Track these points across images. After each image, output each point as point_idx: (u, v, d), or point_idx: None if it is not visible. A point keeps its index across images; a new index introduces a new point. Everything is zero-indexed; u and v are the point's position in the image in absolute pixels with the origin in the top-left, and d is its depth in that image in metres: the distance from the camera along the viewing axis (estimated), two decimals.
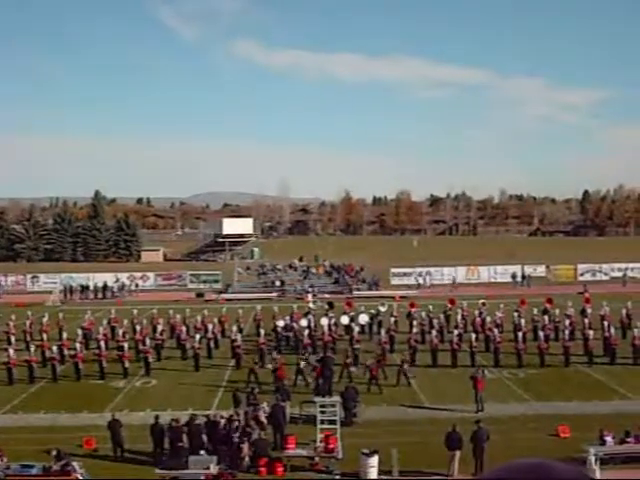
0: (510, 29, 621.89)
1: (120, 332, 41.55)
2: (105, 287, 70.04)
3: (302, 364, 34.22)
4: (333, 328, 42.33)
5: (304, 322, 42.43)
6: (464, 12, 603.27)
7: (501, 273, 75.08)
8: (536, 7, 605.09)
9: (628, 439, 24.02)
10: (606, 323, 40.51)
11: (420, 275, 74.86)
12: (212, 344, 41.28)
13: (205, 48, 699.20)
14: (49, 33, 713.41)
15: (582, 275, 76.57)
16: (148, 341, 38.83)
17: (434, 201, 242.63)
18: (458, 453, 23.12)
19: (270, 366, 35.25)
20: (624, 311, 45.13)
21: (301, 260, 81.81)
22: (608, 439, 23.91)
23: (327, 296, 61.79)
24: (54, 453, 22.85)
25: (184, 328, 42.64)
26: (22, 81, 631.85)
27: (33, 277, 77.11)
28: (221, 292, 68.34)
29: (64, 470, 22.16)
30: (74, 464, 22.53)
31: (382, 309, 47.59)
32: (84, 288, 70.09)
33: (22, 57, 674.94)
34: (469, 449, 23.22)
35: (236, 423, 25.15)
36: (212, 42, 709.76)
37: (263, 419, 26.03)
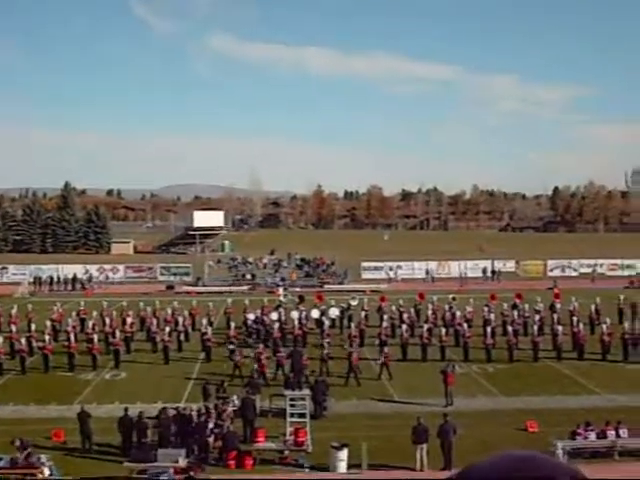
0: (484, 25, 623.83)
1: (90, 324, 41.27)
2: (74, 279, 69.55)
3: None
4: (304, 322, 42.35)
5: (274, 315, 42.42)
6: (437, 8, 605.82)
7: (471, 268, 75.30)
8: (510, 3, 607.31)
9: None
10: (575, 318, 40.90)
11: (391, 269, 75.05)
12: (182, 337, 41.15)
13: (179, 42, 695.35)
14: (19, 24, 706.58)
15: (552, 271, 77.04)
16: (118, 333, 38.67)
17: (405, 196, 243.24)
18: (425, 446, 23.22)
19: (249, 358, 35.06)
20: (593, 307, 45.45)
21: (272, 254, 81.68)
22: (591, 435, 24.14)
23: (298, 290, 61.79)
24: (17, 443, 22.68)
25: (154, 321, 42.40)
26: None
27: (2, 268, 76.45)
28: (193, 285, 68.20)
29: (30, 462, 22.02)
30: (42, 456, 22.40)
31: (353, 303, 47.66)
32: (53, 280, 69.62)
33: None
34: (437, 443, 23.33)
35: (205, 416, 25.11)
36: (186, 36, 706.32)
37: (227, 412, 25.98)
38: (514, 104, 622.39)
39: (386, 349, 35.29)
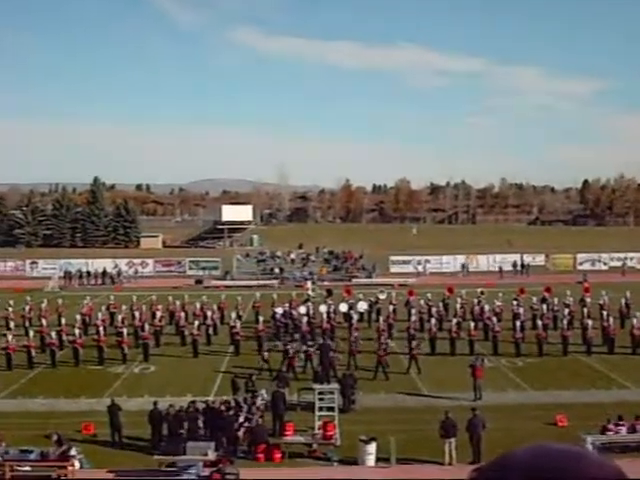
0: (511, 17, 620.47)
1: (119, 318, 41.59)
2: (104, 273, 69.99)
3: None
4: (332, 316, 42.34)
5: (303, 309, 42.47)
6: (464, 0, 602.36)
7: (500, 262, 74.96)
8: None
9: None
10: (605, 312, 40.57)
11: (419, 263, 74.90)
12: (211, 331, 41.34)
13: (204, 35, 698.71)
14: (49, 23, 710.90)
15: (581, 264, 76.54)
16: (147, 327, 38.86)
17: (434, 189, 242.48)
18: (453, 441, 23.15)
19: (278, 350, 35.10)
20: (623, 300, 45.16)
21: (300, 248, 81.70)
22: (622, 430, 23.95)
23: (326, 283, 61.78)
24: (55, 438, 22.88)
25: (183, 314, 42.59)
26: (22, 67, 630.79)
27: (32, 263, 77.10)
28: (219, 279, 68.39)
29: (63, 456, 22.19)
30: (73, 449, 22.57)
31: (381, 297, 47.60)
32: (83, 274, 70.10)
33: (21, 45, 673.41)
34: (466, 437, 23.25)
35: (235, 409, 25.17)
36: (211, 29, 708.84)
37: (259, 405, 26.04)
38: (542, 96, 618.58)
39: (414, 343, 35.22)
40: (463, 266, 73.96)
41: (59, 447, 22.53)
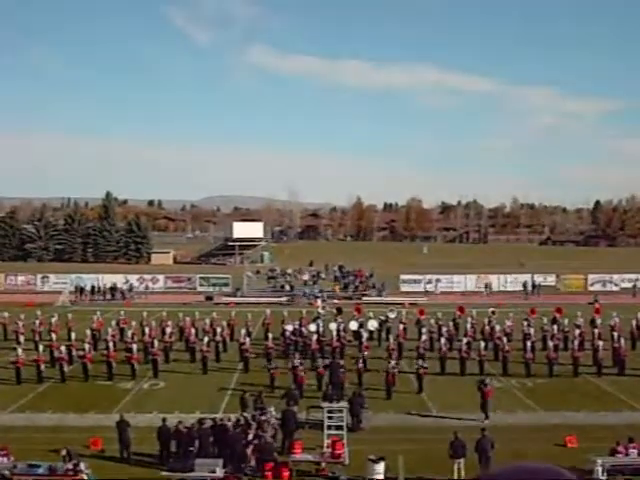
0: (521, 38, 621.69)
1: (129, 333, 41.61)
2: (114, 288, 70.12)
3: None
4: (342, 334, 42.33)
5: (313, 327, 42.40)
6: (474, 20, 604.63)
7: (511, 282, 74.81)
8: (547, 16, 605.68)
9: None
10: (616, 334, 40.40)
11: (429, 282, 74.78)
12: (221, 347, 41.34)
13: (219, 53, 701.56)
14: (68, 39, 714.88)
15: (592, 285, 76.34)
16: (157, 343, 38.83)
17: (445, 208, 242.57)
18: (462, 461, 23.08)
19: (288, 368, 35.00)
20: (634, 322, 44.91)
21: (311, 265, 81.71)
22: (633, 452, 23.77)
23: (336, 301, 61.72)
24: (63, 453, 22.87)
25: (193, 331, 42.55)
26: (36, 81, 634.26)
27: (43, 277, 77.29)
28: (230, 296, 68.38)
29: (71, 470, 22.17)
30: (81, 464, 22.56)
31: (391, 315, 47.52)
32: (94, 289, 70.22)
33: (35, 57, 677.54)
34: (475, 457, 23.16)
35: (243, 427, 25.13)
36: (226, 47, 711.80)
37: (271, 423, 25.99)
38: (554, 116, 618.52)
39: (420, 361, 35.12)
40: (486, 286, 73.65)
41: (69, 461, 22.51)
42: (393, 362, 34.34)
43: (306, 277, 72.65)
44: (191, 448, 24.22)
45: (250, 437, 24.72)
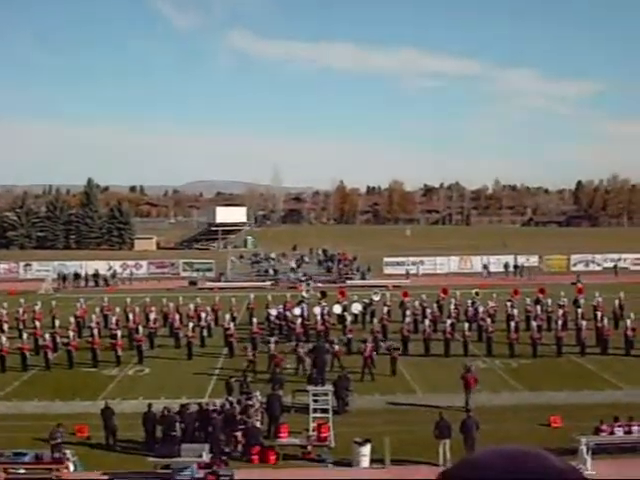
0: (505, 20, 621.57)
1: (113, 320, 41.55)
2: (97, 275, 69.87)
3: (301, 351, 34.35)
4: (326, 317, 42.36)
5: (297, 311, 42.44)
6: (459, 2, 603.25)
7: (494, 263, 74.99)
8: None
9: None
10: (599, 313, 40.59)
11: (413, 264, 74.86)
12: (205, 332, 41.33)
13: (199, 37, 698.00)
14: (45, 23, 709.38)
15: (575, 265, 76.60)
16: (141, 329, 38.79)
17: (427, 191, 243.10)
18: (448, 442, 23.17)
19: (268, 350, 35.07)
20: (617, 301, 45.21)
21: (294, 249, 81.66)
22: (618, 431, 23.96)
23: (320, 285, 61.72)
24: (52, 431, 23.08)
25: (177, 316, 42.48)
26: (14, 67, 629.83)
27: (26, 265, 76.87)
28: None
29: (56, 458, 22.18)
30: (67, 452, 22.56)
31: (375, 298, 47.62)
32: (77, 276, 69.96)
33: (17, 44, 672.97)
34: (460, 438, 23.27)
35: (229, 411, 25.16)
36: (206, 31, 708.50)
37: (256, 407, 26.03)
38: (536, 98, 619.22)
39: (389, 343, 35.37)
40: (485, 267, 73.80)
41: (51, 440, 22.64)
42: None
43: (292, 264, 72.38)
44: (177, 433, 24.27)
45: (235, 421, 24.77)
